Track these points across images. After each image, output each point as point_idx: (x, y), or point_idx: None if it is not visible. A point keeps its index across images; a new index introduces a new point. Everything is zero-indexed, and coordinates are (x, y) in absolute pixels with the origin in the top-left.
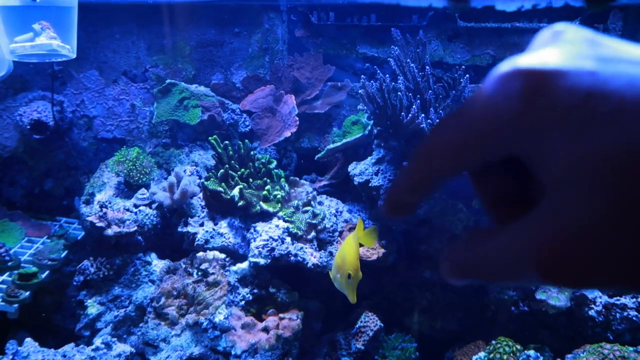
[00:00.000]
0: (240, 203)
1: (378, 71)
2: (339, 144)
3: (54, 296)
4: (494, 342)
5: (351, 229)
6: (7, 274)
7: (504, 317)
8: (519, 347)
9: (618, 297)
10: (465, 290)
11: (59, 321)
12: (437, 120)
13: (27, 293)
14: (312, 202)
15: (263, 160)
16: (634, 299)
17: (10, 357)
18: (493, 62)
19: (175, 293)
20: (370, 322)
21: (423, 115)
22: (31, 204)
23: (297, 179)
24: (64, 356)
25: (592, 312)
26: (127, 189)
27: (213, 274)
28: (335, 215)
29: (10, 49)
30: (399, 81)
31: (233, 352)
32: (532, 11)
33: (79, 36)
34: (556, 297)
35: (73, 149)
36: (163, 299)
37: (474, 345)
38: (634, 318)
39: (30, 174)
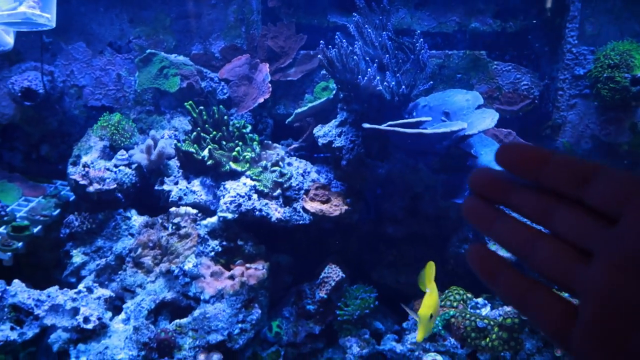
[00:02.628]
0: (209, 162)
1: (337, 36)
2: (305, 108)
3: (52, 253)
4: (446, 291)
5: (318, 188)
6: (3, 227)
7: (461, 270)
8: (469, 295)
9: None
10: (427, 247)
11: (57, 275)
12: (394, 84)
13: (20, 244)
14: (280, 163)
15: (238, 125)
16: None
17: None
18: (458, 29)
19: (151, 244)
20: (332, 273)
21: (379, 78)
22: (29, 167)
23: (270, 142)
24: (49, 296)
25: None
26: (111, 152)
27: (185, 227)
28: (303, 175)
29: None
30: (356, 46)
31: (202, 297)
32: None
33: (67, 10)
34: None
35: (65, 116)
36: (140, 250)
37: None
38: None
39: (28, 140)
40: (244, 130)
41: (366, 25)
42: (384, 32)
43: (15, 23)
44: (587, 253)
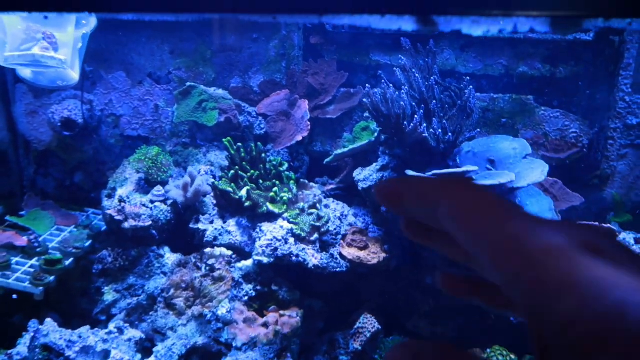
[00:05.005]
0: (247, 203)
1: (383, 80)
2: (346, 150)
3: (81, 282)
4: (488, 350)
5: (355, 233)
6: (35, 259)
7: (503, 326)
8: (513, 357)
9: None
10: None
11: (85, 305)
12: (440, 130)
13: (52, 277)
14: (317, 205)
15: (274, 163)
16: None
17: (32, 334)
18: (505, 72)
19: (183, 285)
20: (368, 324)
21: (425, 125)
22: (62, 195)
23: (307, 181)
24: (80, 337)
25: None
26: (146, 185)
27: (219, 269)
28: (340, 219)
29: (4, 56)
30: (403, 90)
31: (234, 344)
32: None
33: (109, 39)
34: None
35: (101, 145)
36: (172, 290)
37: (471, 352)
38: None
39: (63, 167)
40: (281, 169)
41: (413, 70)
42: (432, 77)
43: (27, 64)
44: None
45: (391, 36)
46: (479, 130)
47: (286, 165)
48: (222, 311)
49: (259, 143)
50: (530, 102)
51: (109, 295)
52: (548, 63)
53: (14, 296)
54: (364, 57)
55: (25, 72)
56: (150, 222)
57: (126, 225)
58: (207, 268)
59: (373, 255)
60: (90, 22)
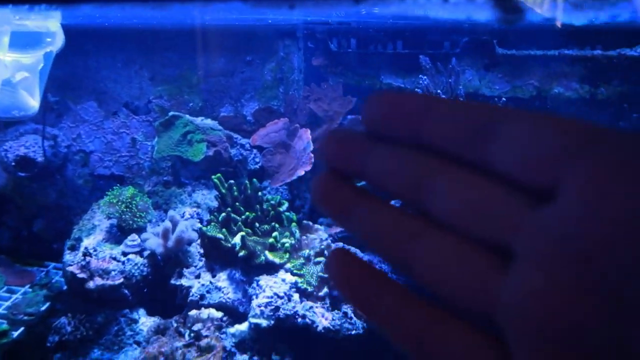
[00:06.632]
0: (242, 253)
1: None
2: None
3: (34, 352)
4: None
5: None
6: None
7: None
8: None
9: None
10: None
11: None
12: None
13: None
14: (325, 252)
15: (272, 202)
16: None
17: None
18: (537, 94)
19: (162, 358)
20: None
21: None
22: (19, 247)
23: (311, 223)
24: None
25: None
26: (119, 233)
27: (207, 336)
28: None
29: None
30: None
31: None
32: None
33: (78, 64)
34: None
35: (67, 187)
36: None
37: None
38: None
39: (19, 215)
40: (280, 209)
41: (438, 91)
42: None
43: None
44: (503, 252)
45: (404, 56)
46: None
47: (286, 205)
48: None
49: (254, 180)
50: None
51: None
52: (587, 83)
53: None
54: (374, 79)
55: None
56: (122, 280)
57: (91, 284)
58: (192, 335)
59: None
60: (56, 40)
